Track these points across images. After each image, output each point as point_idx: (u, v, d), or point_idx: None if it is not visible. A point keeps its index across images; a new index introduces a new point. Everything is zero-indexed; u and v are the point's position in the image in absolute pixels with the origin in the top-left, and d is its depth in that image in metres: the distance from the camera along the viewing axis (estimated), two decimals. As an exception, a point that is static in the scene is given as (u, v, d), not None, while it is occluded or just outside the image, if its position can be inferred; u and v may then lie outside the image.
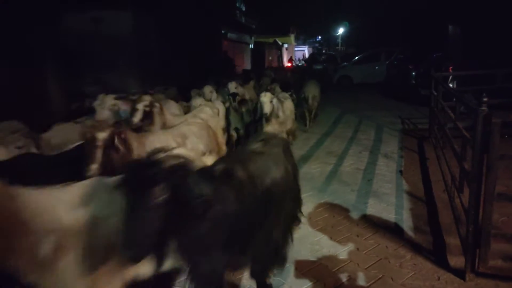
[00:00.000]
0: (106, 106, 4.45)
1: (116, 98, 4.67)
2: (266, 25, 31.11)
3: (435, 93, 6.84)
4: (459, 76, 9.52)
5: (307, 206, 4.56)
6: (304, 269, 3.26)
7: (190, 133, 3.87)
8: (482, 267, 3.00)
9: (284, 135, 5.88)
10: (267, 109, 5.44)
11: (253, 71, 16.59)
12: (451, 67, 10.44)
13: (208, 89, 6.75)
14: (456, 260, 3.26)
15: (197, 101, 5.49)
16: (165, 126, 4.15)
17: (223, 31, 20.10)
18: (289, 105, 6.43)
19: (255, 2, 29.11)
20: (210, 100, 6.59)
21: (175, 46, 12.13)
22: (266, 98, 5.48)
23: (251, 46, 28.06)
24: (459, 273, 3.07)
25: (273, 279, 3.09)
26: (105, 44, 9.68)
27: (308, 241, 3.72)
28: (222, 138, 4.89)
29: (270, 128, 5.62)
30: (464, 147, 4.15)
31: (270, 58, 30.08)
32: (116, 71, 9.67)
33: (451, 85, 9.27)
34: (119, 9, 9.83)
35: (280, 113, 5.74)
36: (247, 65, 24.75)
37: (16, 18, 7.05)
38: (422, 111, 10.04)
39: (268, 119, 5.60)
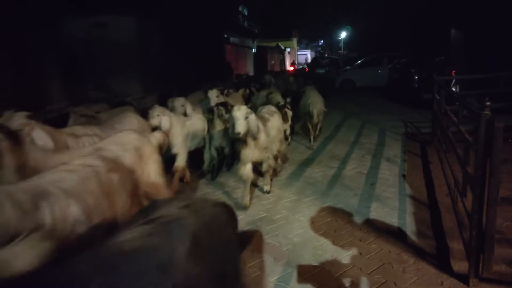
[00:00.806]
0: (14, 126, 3.33)
1: (29, 116, 3.59)
2: (268, 29, 31.32)
3: (438, 97, 6.83)
4: (462, 79, 9.52)
5: (310, 210, 4.57)
6: (306, 273, 3.25)
7: (54, 189, 2.23)
8: (486, 272, 2.98)
9: (271, 162, 5.03)
10: (239, 127, 4.23)
11: (255, 75, 16.64)
12: (453, 71, 10.44)
13: (179, 103, 5.65)
14: (460, 265, 3.25)
15: (154, 121, 4.51)
16: (33, 169, 2.77)
17: (225, 35, 20.19)
18: (275, 122, 5.24)
19: (258, 6, 29.28)
20: (186, 114, 5.63)
21: (177, 50, 12.21)
22: (239, 113, 4.27)
23: (254, 50, 28.17)
24: (463, 278, 3.05)
25: (276, 284, 3.09)
26: (108, 49, 9.76)
27: (311, 246, 3.71)
28: (156, 177, 3.28)
29: (247, 153, 4.58)
30: (467, 151, 4.14)
31: (273, 62, 30.19)
32: (119, 76, 9.74)
33: (453, 89, 9.27)
34: (122, 14, 9.91)
35: (262, 135, 4.61)
36: (250, 69, 24.84)
37: (19, 23, 7.12)
38: (425, 115, 10.02)
39: (242, 140, 4.49)
